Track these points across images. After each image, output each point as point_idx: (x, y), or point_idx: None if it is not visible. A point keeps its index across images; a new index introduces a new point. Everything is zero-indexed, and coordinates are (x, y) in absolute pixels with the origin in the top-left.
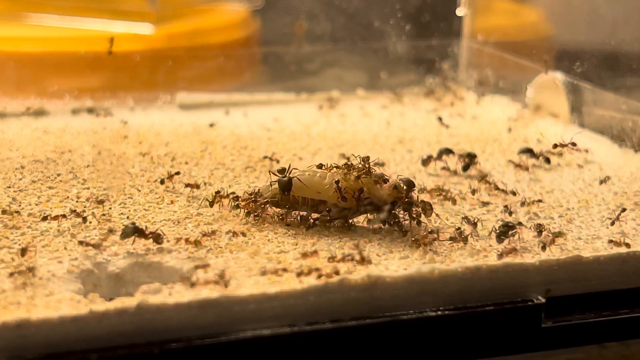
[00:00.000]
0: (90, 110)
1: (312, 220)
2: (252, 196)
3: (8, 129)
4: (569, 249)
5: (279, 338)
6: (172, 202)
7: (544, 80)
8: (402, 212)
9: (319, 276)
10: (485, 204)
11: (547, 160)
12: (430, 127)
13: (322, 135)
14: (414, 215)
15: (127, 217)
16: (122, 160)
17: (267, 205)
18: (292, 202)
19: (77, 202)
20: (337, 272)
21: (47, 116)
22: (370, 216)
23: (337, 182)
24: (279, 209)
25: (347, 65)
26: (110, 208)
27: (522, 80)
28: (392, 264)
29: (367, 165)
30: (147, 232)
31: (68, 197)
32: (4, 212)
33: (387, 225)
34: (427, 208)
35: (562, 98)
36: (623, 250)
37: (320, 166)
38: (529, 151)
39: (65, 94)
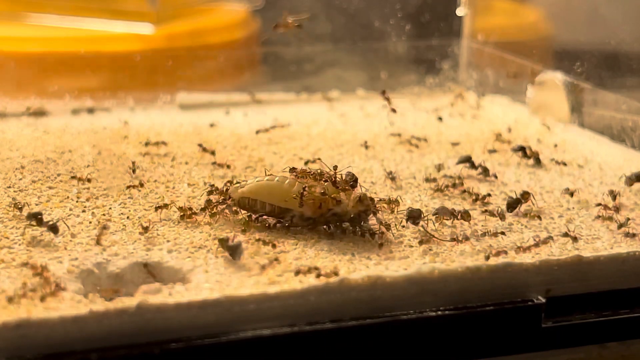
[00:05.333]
0: (91, 110)
1: (274, 223)
2: (221, 196)
3: (8, 129)
4: (569, 249)
5: (279, 338)
6: (172, 202)
7: (544, 80)
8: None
9: (319, 276)
10: (485, 203)
11: (538, 161)
12: (431, 126)
13: (322, 135)
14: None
15: (127, 217)
16: (122, 160)
17: (236, 208)
18: (259, 207)
19: (77, 202)
20: (336, 272)
21: (47, 116)
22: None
23: (303, 190)
24: (246, 212)
25: (347, 65)
26: (110, 208)
27: (522, 80)
28: (392, 263)
29: (333, 176)
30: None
31: (68, 197)
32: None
33: (359, 233)
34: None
35: (562, 98)
36: (623, 250)
37: (292, 169)
38: (522, 149)
39: (65, 94)
